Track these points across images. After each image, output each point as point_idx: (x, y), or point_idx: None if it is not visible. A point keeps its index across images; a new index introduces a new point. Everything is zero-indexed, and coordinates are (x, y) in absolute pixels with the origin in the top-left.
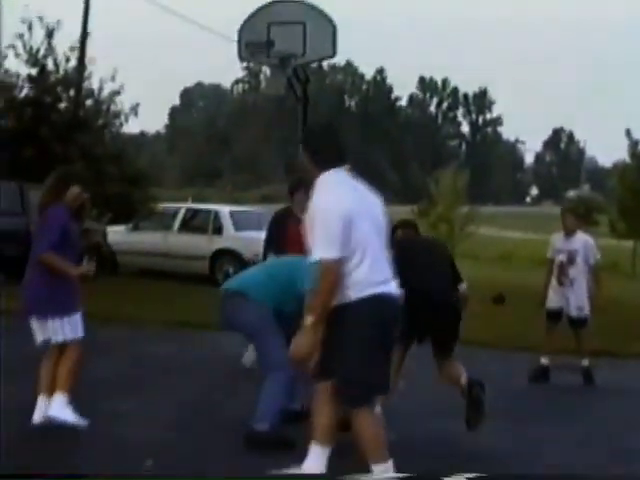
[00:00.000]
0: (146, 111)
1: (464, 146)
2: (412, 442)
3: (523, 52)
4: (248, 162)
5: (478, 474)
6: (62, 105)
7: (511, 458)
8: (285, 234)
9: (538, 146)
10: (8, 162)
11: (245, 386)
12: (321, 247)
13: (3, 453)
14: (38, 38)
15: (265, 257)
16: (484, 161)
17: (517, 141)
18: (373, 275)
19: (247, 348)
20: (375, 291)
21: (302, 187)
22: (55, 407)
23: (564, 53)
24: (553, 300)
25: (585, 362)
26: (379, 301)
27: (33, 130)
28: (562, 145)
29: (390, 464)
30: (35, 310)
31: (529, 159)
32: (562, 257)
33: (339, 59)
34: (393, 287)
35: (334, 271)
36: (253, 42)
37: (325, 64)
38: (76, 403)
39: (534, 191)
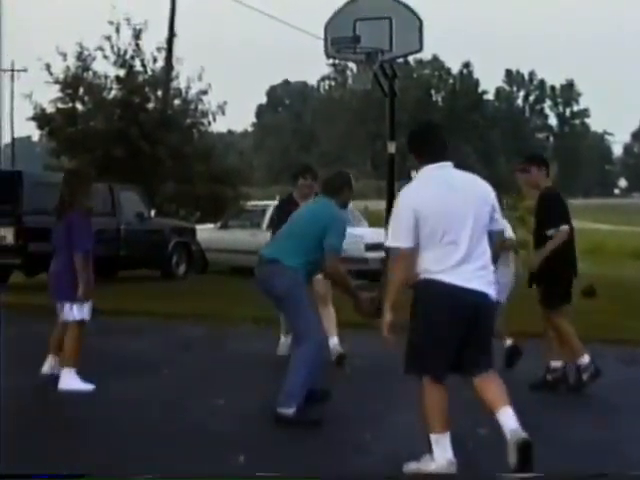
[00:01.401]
0: (233, 110)
1: (552, 139)
2: (500, 433)
3: (608, 44)
4: (335, 158)
5: None
6: (150, 105)
7: (607, 451)
8: (284, 220)
9: (626, 137)
10: (98, 163)
11: (338, 382)
12: (391, 236)
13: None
14: (125, 39)
15: None
16: (572, 153)
17: (605, 133)
18: (438, 264)
19: (281, 337)
20: (436, 277)
21: (307, 173)
22: (64, 380)
23: None
24: None
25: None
26: (437, 287)
27: (122, 130)
28: None
29: (445, 436)
30: (54, 294)
31: (617, 151)
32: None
33: (425, 54)
34: (463, 279)
35: (401, 258)
36: (339, 38)
37: (411, 59)
38: (171, 399)
39: (623, 183)
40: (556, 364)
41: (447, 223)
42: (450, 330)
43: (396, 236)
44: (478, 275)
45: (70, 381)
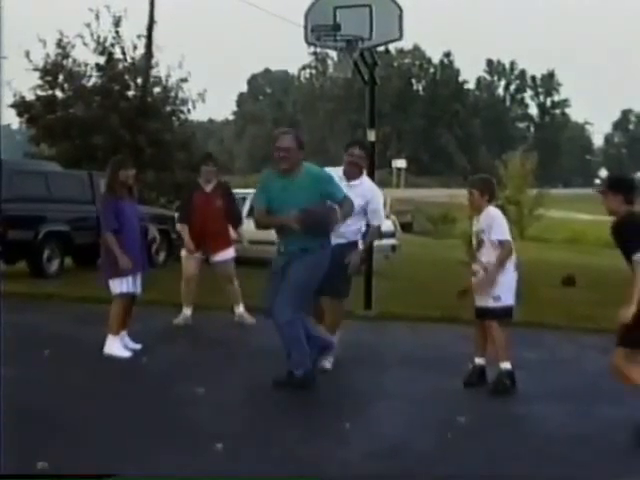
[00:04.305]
0: (214, 98)
1: (532, 128)
2: (480, 422)
3: (589, 35)
4: (316, 147)
5: None
6: (130, 93)
7: (583, 441)
8: (190, 202)
9: (607, 127)
10: (78, 150)
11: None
12: None
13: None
14: (105, 27)
15: (179, 222)
16: (553, 143)
17: (586, 123)
18: None
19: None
20: None
21: (209, 161)
22: (107, 345)
23: (631, 34)
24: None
25: (507, 365)
26: None
27: (102, 118)
28: (631, 126)
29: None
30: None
31: (598, 141)
32: (473, 241)
33: (406, 43)
34: None
35: None
36: (319, 26)
37: (392, 48)
38: (151, 387)
39: (603, 173)
40: None
41: None
42: None
43: None
44: None
45: (112, 346)
